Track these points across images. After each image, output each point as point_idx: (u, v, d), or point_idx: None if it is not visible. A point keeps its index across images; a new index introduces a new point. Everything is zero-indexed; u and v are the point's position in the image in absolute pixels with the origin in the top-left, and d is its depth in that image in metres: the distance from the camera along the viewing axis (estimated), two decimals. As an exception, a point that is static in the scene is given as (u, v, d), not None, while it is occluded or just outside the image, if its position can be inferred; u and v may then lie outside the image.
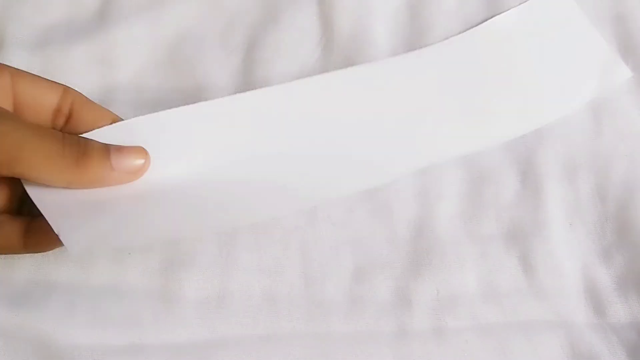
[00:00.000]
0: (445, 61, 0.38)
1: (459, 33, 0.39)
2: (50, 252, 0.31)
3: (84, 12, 0.38)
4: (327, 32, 0.39)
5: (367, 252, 0.34)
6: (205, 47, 0.38)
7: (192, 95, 0.37)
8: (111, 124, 0.31)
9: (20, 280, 0.32)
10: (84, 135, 0.30)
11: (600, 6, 0.41)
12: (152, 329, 0.31)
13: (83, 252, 0.32)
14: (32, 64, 0.36)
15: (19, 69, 0.30)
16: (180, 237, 0.33)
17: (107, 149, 0.29)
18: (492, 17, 0.40)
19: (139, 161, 0.30)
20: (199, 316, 0.32)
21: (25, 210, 0.30)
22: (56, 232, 0.26)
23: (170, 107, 0.36)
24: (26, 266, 0.32)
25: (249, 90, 0.36)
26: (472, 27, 0.40)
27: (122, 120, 0.32)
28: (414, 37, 0.39)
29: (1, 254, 0.31)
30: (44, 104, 0.30)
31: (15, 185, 0.29)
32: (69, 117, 0.30)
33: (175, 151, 0.32)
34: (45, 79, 0.30)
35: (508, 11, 0.40)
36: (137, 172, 0.30)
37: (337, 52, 0.38)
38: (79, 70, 0.37)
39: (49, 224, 0.27)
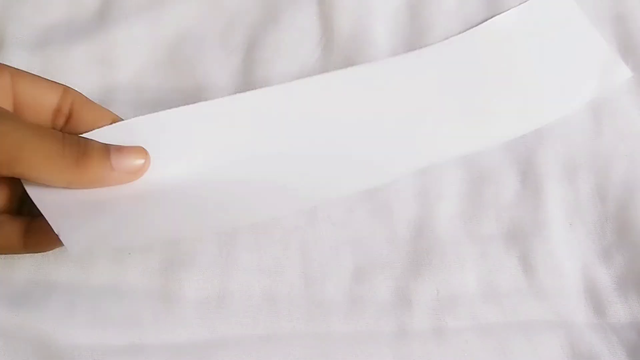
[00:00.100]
0: (445, 61, 0.38)
1: (459, 33, 0.39)
2: (50, 252, 0.31)
3: (84, 12, 0.38)
4: (327, 32, 0.39)
5: (367, 252, 0.34)
6: (205, 47, 0.38)
7: (192, 95, 0.37)
8: (111, 124, 0.31)
9: (20, 280, 0.32)
10: (84, 135, 0.30)
11: (600, 6, 0.41)
12: (152, 329, 0.31)
13: (83, 252, 0.32)
14: (32, 64, 0.36)
15: (19, 69, 0.30)
16: (180, 237, 0.33)
17: (107, 149, 0.29)
18: (492, 17, 0.40)
19: (139, 161, 0.30)
20: (199, 316, 0.32)
21: (25, 210, 0.30)
22: (56, 232, 0.26)
23: (170, 107, 0.36)
24: (26, 266, 0.32)
25: (249, 90, 0.36)
26: (472, 27, 0.40)
27: (122, 120, 0.32)
28: (414, 37, 0.39)
29: (1, 254, 0.31)
30: (44, 104, 0.30)
31: (15, 185, 0.29)
32: (69, 117, 0.30)
33: (175, 151, 0.32)
34: (45, 79, 0.30)
35: (508, 11, 0.40)
36: (137, 172, 0.30)
37: (337, 52, 0.38)
38: (79, 70, 0.37)
39: (49, 224, 0.27)
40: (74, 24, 0.38)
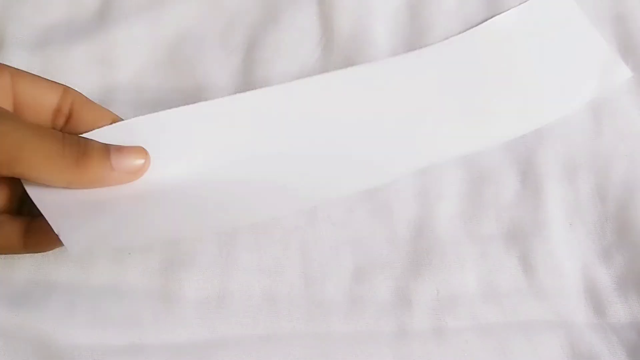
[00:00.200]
0: (445, 61, 0.38)
1: (459, 33, 0.39)
2: (50, 252, 0.31)
3: (84, 12, 0.38)
4: (327, 32, 0.39)
5: (367, 252, 0.34)
6: (205, 47, 0.38)
7: (192, 95, 0.37)
8: (111, 124, 0.31)
9: (20, 280, 0.32)
10: (84, 135, 0.30)
11: (600, 6, 0.41)
12: (152, 329, 0.31)
13: (83, 252, 0.32)
14: (32, 64, 0.36)
15: (19, 69, 0.30)
16: (180, 237, 0.33)
17: (107, 149, 0.29)
18: (492, 17, 0.40)
19: (139, 161, 0.30)
20: (199, 316, 0.32)
21: (25, 210, 0.30)
22: (56, 232, 0.26)
23: (170, 107, 0.36)
24: (26, 266, 0.32)
25: (249, 90, 0.36)
26: (472, 27, 0.40)
27: (122, 120, 0.32)
28: (414, 37, 0.39)
29: (1, 254, 0.31)
30: (44, 104, 0.30)
31: (15, 185, 0.29)
32: (69, 117, 0.30)
33: (175, 151, 0.32)
34: (45, 79, 0.30)
35: (508, 11, 0.40)
36: (137, 172, 0.30)
37: (337, 52, 0.38)
38: (79, 70, 0.37)
39: (49, 224, 0.27)
40: (74, 24, 0.38)
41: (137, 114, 0.36)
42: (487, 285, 0.34)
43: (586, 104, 0.38)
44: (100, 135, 0.30)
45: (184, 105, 0.36)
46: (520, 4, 0.40)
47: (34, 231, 0.29)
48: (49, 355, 0.30)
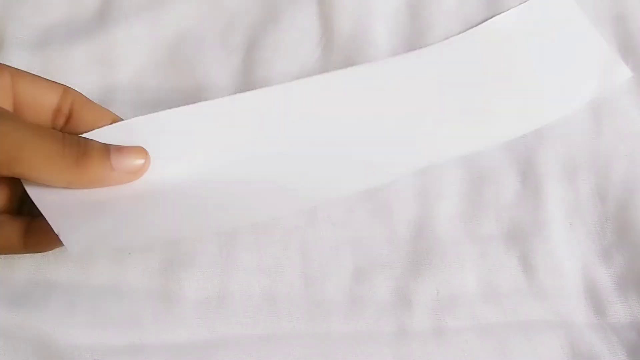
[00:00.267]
0: (445, 61, 0.38)
1: (459, 33, 0.39)
2: (50, 252, 0.31)
3: (84, 12, 0.38)
4: (327, 32, 0.39)
5: (367, 252, 0.34)
6: (205, 47, 0.38)
7: (192, 95, 0.37)
8: (111, 124, 0.31)
9: (20, 280, 0.32)
10: (84, 135, 0.30)
11: (600, 6, 0.41)
12: (152, 329, 0.31)
13: (83, 252, 0.32)
14: (32, 64, 0.36)
15: (19, 69, 0.30)
16: (180, 237, 0.33)
17: (107, 149, 0.29)
18: (492, 17, 0.40)
19: (139, 161, 0.30)
20: (199, 316, 0.32)
21: (25, 210, 0.30)
22: (56, 232, 0.26)
23: (170, 107, 0.36)
24: (26, 266, 0.32)
25: (249, 90, 0.36)
26: (472, 27, 0.40)
27: (122, 120, 0.32)
28: (414, 37, 0.39)
29: (1, 254, 0.31)
30: (44, 104, 0.30)
31: (15, 185, 0.28)
32: (69, 117, 0.30)
33: (175, 151, 0.32)
34: (45, 79, 0.30)
35: (508, 11, 0.40)
36: (137, 172, 0.30)
37: (337, 52, 0.38)
38: (79, 70, 0.37)
39: (49, 224, 0.27)
40: (74, 24, 0.38)
41: (137, 114, 0.36)
42: (487, 285, 0.34)
43: (586, 104, 0.38)
44: (100, 135, 0.30)
45: (184, 105, 0.36)
46: (520, 4, 0.40)
47: (34, 231, 0.29)
48: (49, 355, 0.30)
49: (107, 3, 0.38)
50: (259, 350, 0.31)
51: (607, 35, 0.40)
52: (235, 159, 0.33)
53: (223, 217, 0.31)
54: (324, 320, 0.32)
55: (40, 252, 0.30)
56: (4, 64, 0.29)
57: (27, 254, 0.32)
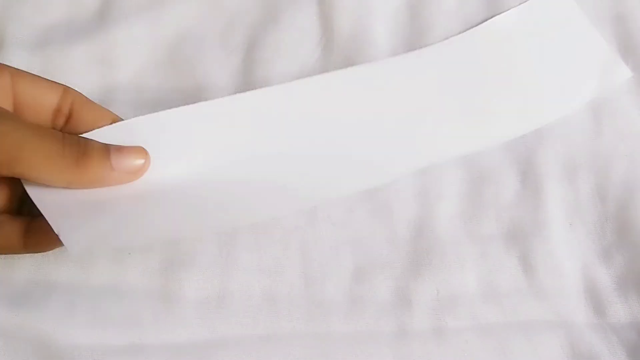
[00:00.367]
0: (445, 61, 0.38)
1: (459, 33, 0.39)
2: (50, 252, 0.31)
3: (84, 12, 0.38)
4: (327, 32, 0.39)
5: (367, 252, 0.34)
6: (205, 47, 0.38)
7: (192, 95, 0.37)
8: (111, 124, 0.31)
9: (20, 280, 0.32)
10: (84, 135, 0.30)
11: (600, 6, 0.41)
12: (152, 329, 0.31)
13: (83, 252, 0.32)
14: (32, 64, 0.36)
15: (19, 69, 0.30)
16: (180, 237, 0.33)
17: (107, 149, 0.29)
18: (492, 17, 0.40)
19: (139, 161, 0.30)
20: (199, 316, 0.32)
21: (25, 210, 0.30)
22: (56, 232, 0.26)
23: (170, 107, 0.36)
24: (26, 266, 0.32)
25: (249, 90, 0.36)
26: (472, 27, 0.40)
27: (122, 120, 0.32)
28: (414, 37, 0.39)
29: (1, 254, 0.31)
30: (44, 104, 0.30)
31: (15, 185, 0.28)
32: (69, 117, 0.30)
33: (175, 151, 0.32)
34: (45, 79, 0.30)
35: (508, 11, 0.40)
36: (137, 172, 0.30)
37: (337, 52, 0.38)
38: (79, 70, 0.36)
39: (49, 224, 0.27)
40: (74, 24, 0.38)
41: (137, 114, 0.36)
42: (487, 285, 0.34)
43: (586, 104, 0.38)
44: (100, 135, 0.30)
45: (184, 105, 0.36)
46: (520, 4, 0.40)
47: (34, 231, 0.29)
48: (49, 355, 0.30)
49: (107, 3, 0.38)
50: (259, 350, 0.31)
51: (607, 35, 0.40)
52: (235, 159, 0.33)
53: (223, 217, 0.31)
54: (324, 320, 0.32)
55: (40, 252, 0.30)
56: (3, 64, 0.29)
57: (27, 254, 0.32)
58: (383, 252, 0.34)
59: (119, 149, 0.29)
